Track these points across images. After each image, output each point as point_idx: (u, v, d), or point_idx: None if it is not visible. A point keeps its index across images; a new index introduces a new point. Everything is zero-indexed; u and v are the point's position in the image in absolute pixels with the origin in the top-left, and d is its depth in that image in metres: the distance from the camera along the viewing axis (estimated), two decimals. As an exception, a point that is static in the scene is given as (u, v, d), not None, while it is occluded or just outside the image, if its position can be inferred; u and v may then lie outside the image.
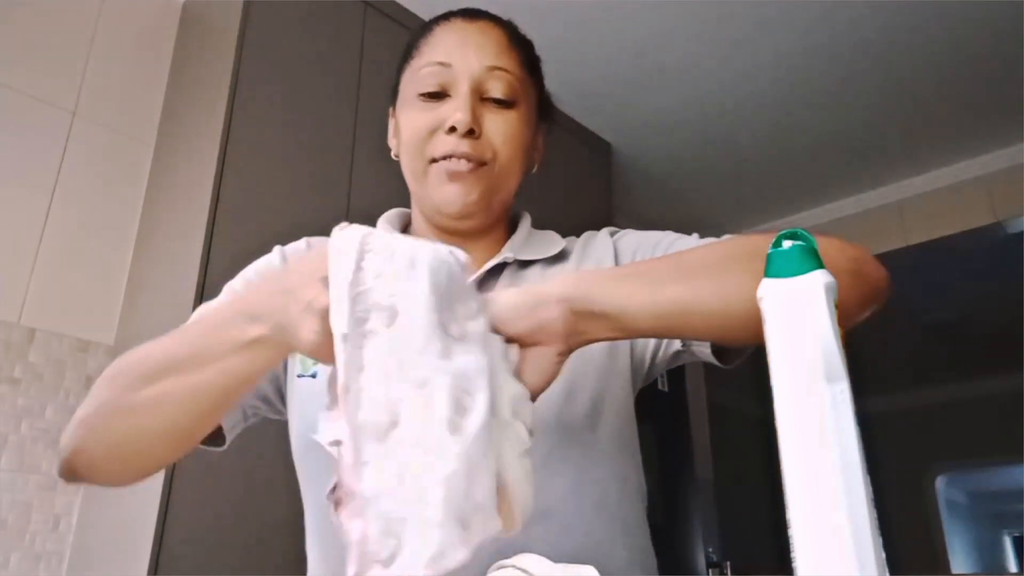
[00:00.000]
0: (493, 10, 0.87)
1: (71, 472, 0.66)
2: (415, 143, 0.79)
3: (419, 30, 0.86)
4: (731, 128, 2.74)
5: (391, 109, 0.87)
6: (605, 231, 0.88)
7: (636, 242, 0.85)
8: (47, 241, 1.67)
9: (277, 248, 0.85)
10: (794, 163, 2.95)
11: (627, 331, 0.57)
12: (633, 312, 0.56)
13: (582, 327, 0.55)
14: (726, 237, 0.77)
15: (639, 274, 0.59)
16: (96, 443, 0.64)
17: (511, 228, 0.89)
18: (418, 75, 0.80)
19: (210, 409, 0.60)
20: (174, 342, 0.61)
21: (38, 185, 1.69)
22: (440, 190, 0.78)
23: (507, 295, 0.55)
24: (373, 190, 1.79)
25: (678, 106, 2.62)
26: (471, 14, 0.84)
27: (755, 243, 0.58)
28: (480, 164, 0.78)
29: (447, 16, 0.84)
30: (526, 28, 0.88)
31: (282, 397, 0.80)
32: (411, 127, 0.79)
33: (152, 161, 1.87)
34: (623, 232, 0.88)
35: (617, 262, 0.82)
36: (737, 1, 2.16)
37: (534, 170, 0.87)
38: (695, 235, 0.83)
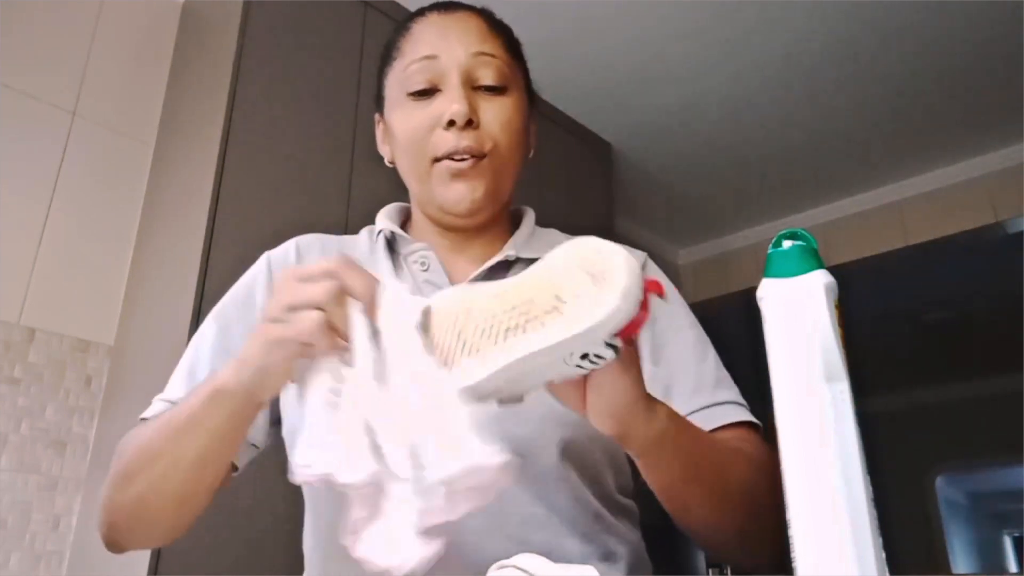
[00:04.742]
0: (494, 10, 0.86)
1: (114, 546, 0.72)
2: (414, 143, 0.77)
3: (396, 30, 0.84)
4: (731, 128, 2.74)
5: (377, 116, 0.86)
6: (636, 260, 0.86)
7: (652, 311, 0.82)
8: (47, 241, 1.67)
9: (265, 255, 0.85)
10: (794, 163, 2.95)
11: (642, 456, 0.60)
12: (656, 474, 0.60)
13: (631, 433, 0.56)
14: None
15: (696, 460, 0.61)
16: (122, 520, 0.69)
17: (513, 224, 0.87)
18: (404, 74, 0.79)
19: (202, 472, 0.64)
20: (161, 422, 0.66)
21: (38, 185, 1.69)
22: (446, 191, 0.76)
23: (631, 394, 0.54)
24: (373, 189, 1.78)
25: (678, 106, 2.61)
26: (446, 6, 0.83)
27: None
28: (480, 156, 0.76)
29: (421, 12, 0.83)
30: (527, 28, 0.88)
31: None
32: (406, 128, 0.78)
33: (152, 161, 1.87)
34: (648, 274, 0.84)
35: None
36: (736, 1, 2.16)
37: (531, 155, 0.86)
38: (712, 352, 0.80)
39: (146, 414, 0.76)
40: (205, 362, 0.77)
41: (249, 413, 0.60)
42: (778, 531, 0.69)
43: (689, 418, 0.72)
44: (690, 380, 0.76)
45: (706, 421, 0.72)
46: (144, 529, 0.69)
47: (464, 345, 0.49)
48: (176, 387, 0.77)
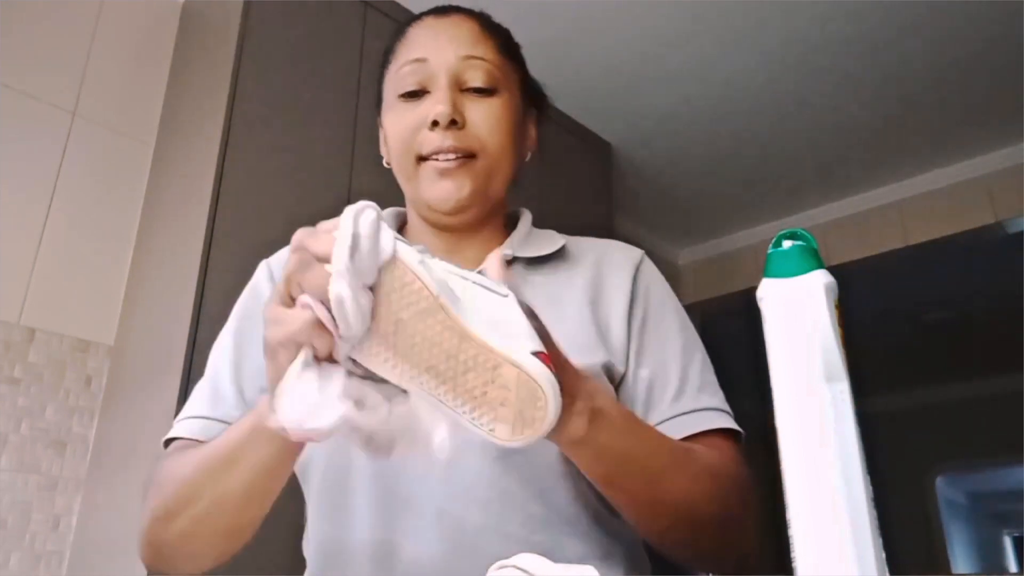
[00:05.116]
0: (494, 10, 0.87)
1: (160, 571, 0.71)
2: (402, 143, 0.79)
3: (393, 35, 0.86)
4: (731, 128, 2.74)
5: (378, 119, 0.87)
6: (630, 260, 0.84)
7: (644, 311, 0.80)
8: (47, 241, 1.67)
9: (263, 263, 0.85)
10: (794, 163, 2.95)
11: (565, 452, 0.61)
12: (584, 471, 0.62)
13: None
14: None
15: (620, 465, 0.62)
16: (169, 553, 0.69)
17: (510, 224, 0.88)
18: (397, 76, 0.80)
19: (248, 505, 0.64)
20: (201, 457, 0.65)
21: (38, 185, 1.69)
22: (432, 188, 0.77)
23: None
24: (373, 189, 1.78)
25: (678, 106, 2.62)
26: (442, 10, 0.84)
27: (729, 519, 0.69)
28: (468, 156, 0.77)
29: (419, 16, 0.85)
30: (527, 29, 0.88)
31: None
32: (396, 128, 0.79)
33: (152, 161, 1.87)
34: (644, 273, 0.83)
35: (631, 312, 0.79)
36: (737, 1, 2.16)
37: (528, 158, 0.87)
38: (699, 357, 0.80)
39: (177, 433, 0.76)
40: (227, 379, 0.77)
41: (293, 446, 0.58)
42: (732, 542, 0.70)
43: (668, 423, 0.73)
44: (672, 385, 0.75)
45: (684, 427, 0.72)
46: (193, 559, 0.69)
47: (396, 331, 0.48)
48: (199, 405, 0.77)
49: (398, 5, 2.02)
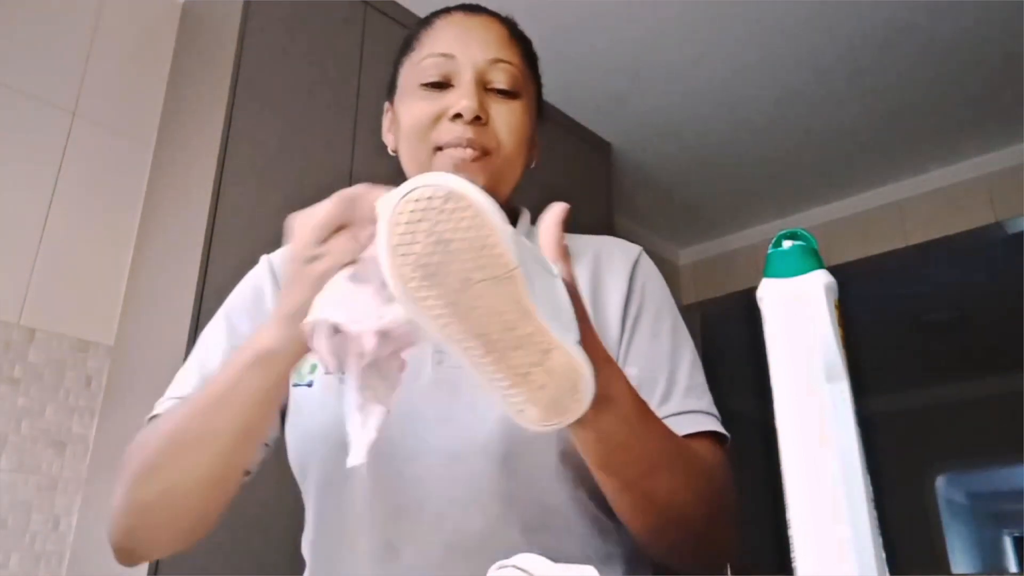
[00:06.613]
0: (494, 8, 0.87)
1: (130, 555, 0.69)
2: (418, 131, 0.78)
3: (419, 23, 0.86)
4: (731, 128, 2.74)
5: (387, 104, 0.87)
6: (628, 257, 0.84)
7: (639, 308, 0.80)
8: (47, 241, 1.67)
9: (264, 258, 0.85)
10: (794, 163, 2.95)
11: (592, 422, 0.58)
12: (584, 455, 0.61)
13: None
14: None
15: (631, 448, 0.61)
16: (146, 520, 0.67)
17: (510, 223, 0.88)
18: (420, 66, 0.80)
19: (240, 445, 0.63)
20: (188, 404, 0.65)
21: (38, 185, 1.69)
22: None
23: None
24: (373, 190, 1.78)
25: (678, 106, 2.62)
26: (471, 9, 0.84)
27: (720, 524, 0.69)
28: (484, 153, 0.77)
29: (447, 10, 0.84)
30: (526, 27, 0.89)
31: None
32: (413, 115, 0.79)
33: (152, 161, 1.87)
34: (641, 270, 0.83)
35: (626, 310, 0.79)
36: (737, 1, 2.16)
37: (532, 166, 0.87)
38: (688, 358, 0.79)
39: (157, 412, 0.74)
40: (218, 361, 0.76)
41: (286, 373, 0.60)
42: (713, 545, 0.70)
43: None
44: (661, 386, 0.75)
45: (672, 429, 0.72)
46: (168, 525, 0.67)
47: (462, 289, 0.46)
48: (186, 385, 0.76)
49: (398, 5, 2.02)
